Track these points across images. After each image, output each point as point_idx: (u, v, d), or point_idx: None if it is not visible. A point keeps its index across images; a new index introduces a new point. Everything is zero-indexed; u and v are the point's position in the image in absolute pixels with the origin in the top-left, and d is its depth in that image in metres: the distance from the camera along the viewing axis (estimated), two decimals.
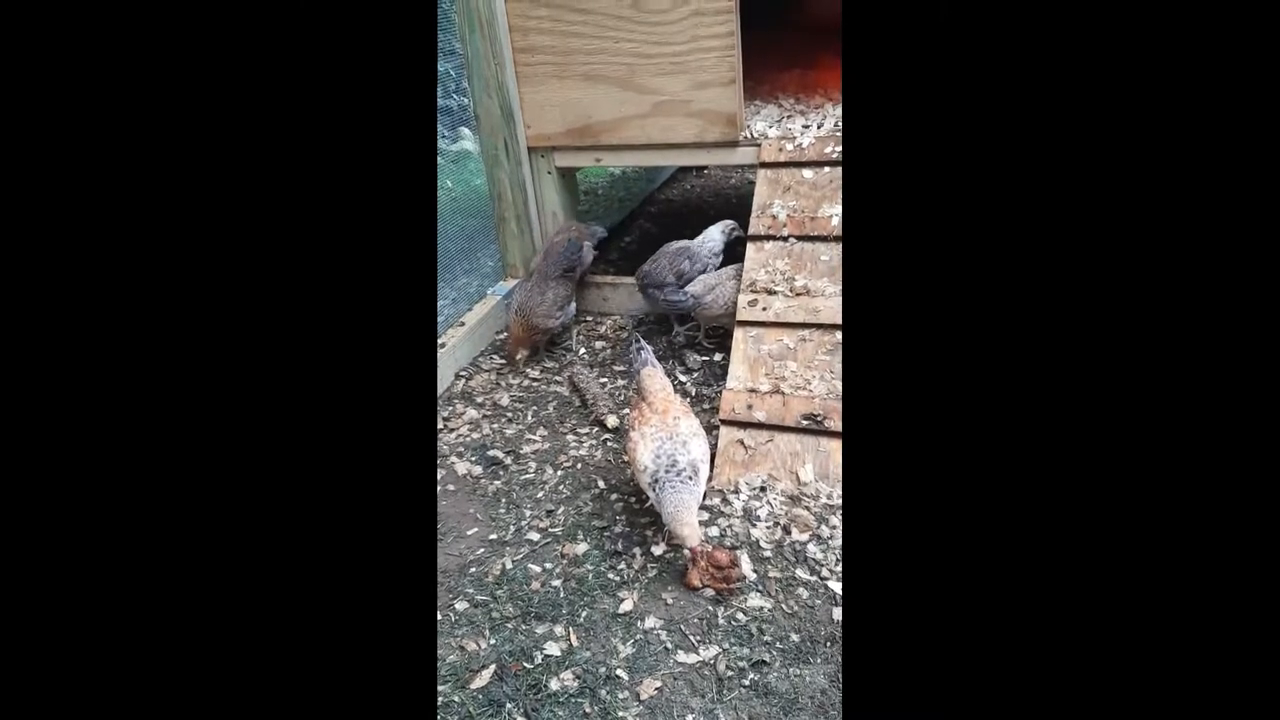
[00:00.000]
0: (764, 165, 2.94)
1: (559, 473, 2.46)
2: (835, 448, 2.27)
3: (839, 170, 2.82)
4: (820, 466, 2.25)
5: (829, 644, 1.75)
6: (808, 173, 2.87)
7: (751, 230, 2.78)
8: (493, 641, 1.85)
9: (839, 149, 2.86)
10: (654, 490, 1.96)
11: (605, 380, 2.95)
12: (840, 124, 2.99)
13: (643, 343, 2.45)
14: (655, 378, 2.27)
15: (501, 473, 2.48)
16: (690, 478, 1.94)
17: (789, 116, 3.18)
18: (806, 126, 3.03)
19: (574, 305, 3.15)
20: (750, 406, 2.38)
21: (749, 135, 3.04)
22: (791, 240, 2.72)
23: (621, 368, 3.01)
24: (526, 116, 3.23)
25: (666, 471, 1.94)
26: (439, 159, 3.24)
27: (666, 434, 2.03)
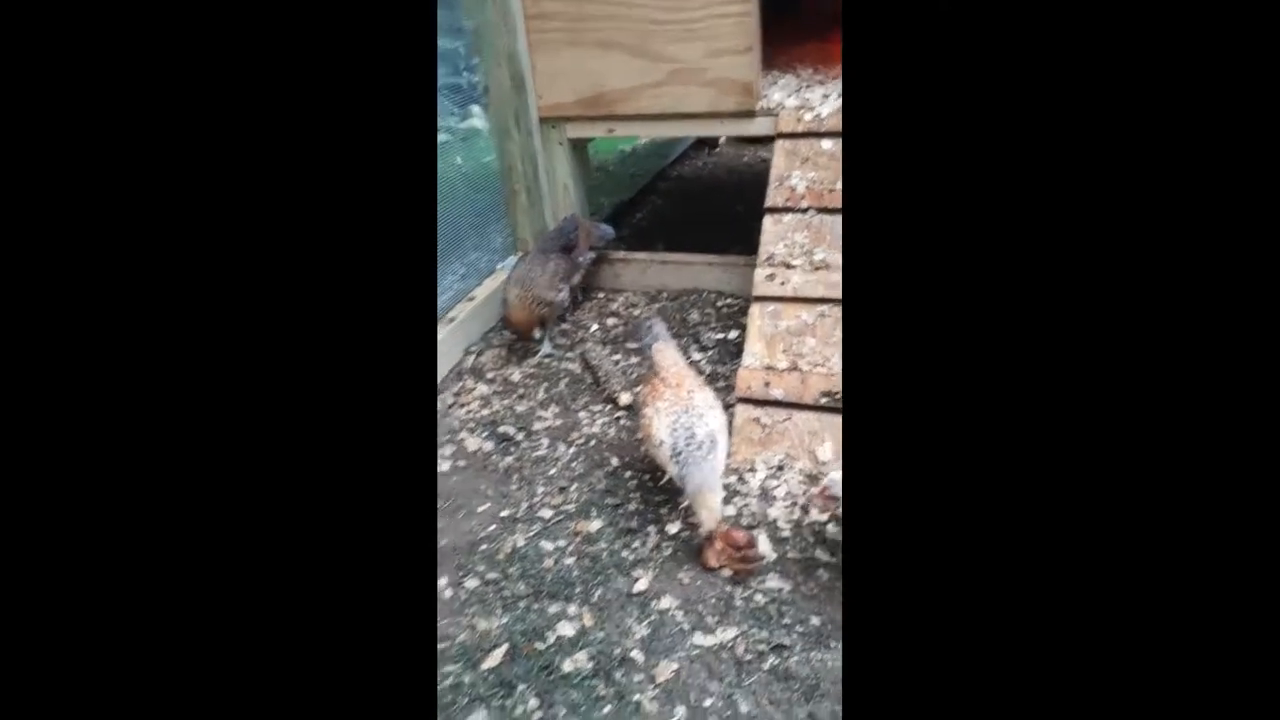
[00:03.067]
0: (781, 136, 2.85)
1: (571, 450, 2.40)
2: None
3: None
4: (839, 445, 2.18)
5: None
6: (827, 144, 2.77)
7: (769, 203, 2.69)
8: (504, 620, 1.80)
9: None
10: (675, 465, 1.91)
11: (618, 358, 2.89)
12: None
13: (654, 318, 2.38)
14: (667, 352, 2.21)
15: (513, 449, 2.43)
16: (710, 451, 1.88)
17: (807, 86, 3.08)
18: (826, 96, 2.93)
19: (570, 288, 3.05)
20: (767, 384, 2.31)
21: (766, 105, 2.94)
22: (811, 212, 2.63)
23: (635, 345, 2.95)
24: (538, 86, 3.14)
25: (686, 444, 1.89)
26: (449, 137, 3.16)
27: (682, 407, 1.97)
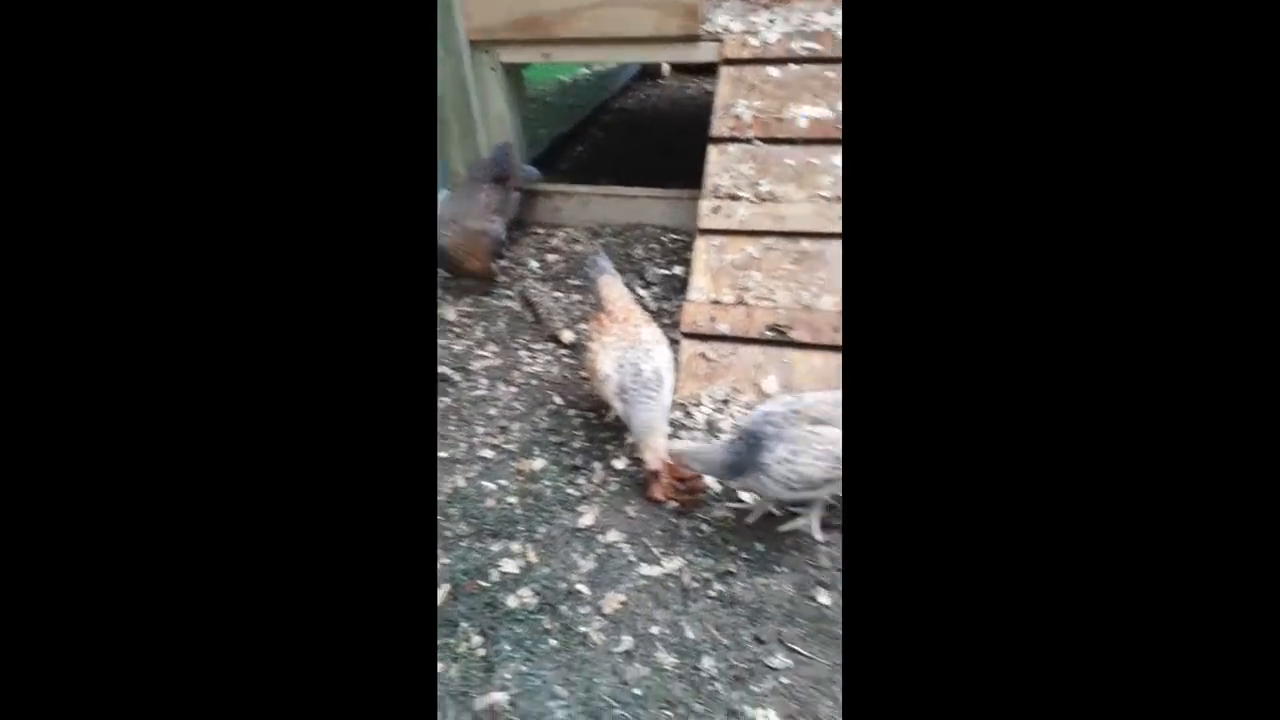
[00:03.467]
0: (727, 62, 2.75)
1: (512, 389, 2.33)
2: (799, 359, 2.20)
3: (807, 68, 2.65)
4: (784, 378, 2.18)
5: (795, 552, 1.72)
6: (773, 71, 2.69)
7: (714, 132, 2.61)
8: (446, 561, 1.76)
9: (807, 45, 2.68)
10: (621, 403, 1.87)
11: (559, 295, 2.80)
12: (808, 20, 2.80)
13: (599, 252, 2.30)
14: (614, 285, 2.15)
15: (450, 389, 2.34)
16: (657, 389, 1.85)
17: (753, 11, 2.96)
18: (772, 21, 2.83)
19: (504, 220, 2.90)
20: (713, 319, 2.28)
21: (710, 30, 2.82)
22: (756, 143, 2.56)
23: (576, 281, 2.86)
24: (467, 6, 2.92)
25: (633, 381, 1.84)
26: None
27: (629, 342, 1.92)
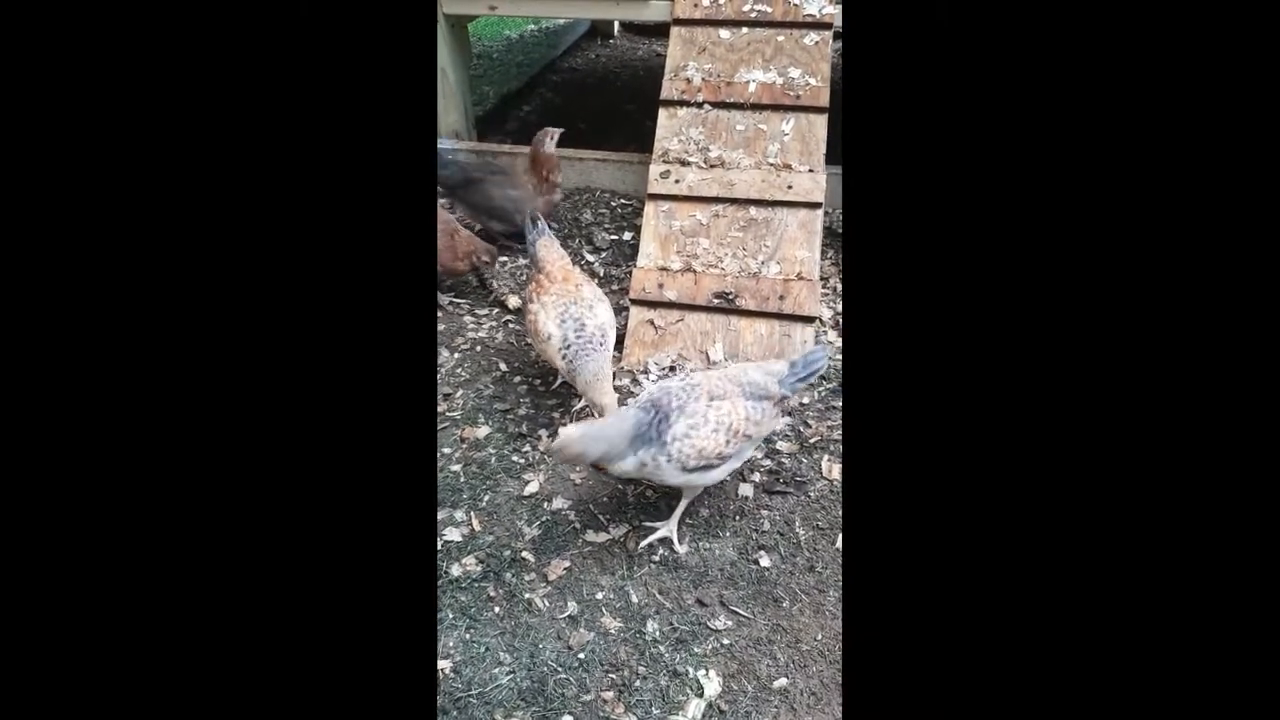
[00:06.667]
0: (678, 22, 2.69)
1: (456, 355, 2.28)
2: (745, 326, 2.21)
3: (757, 31, 2.62)
4: (730, 345, 2.20)
5: (737, 518, 1.75)
6: (724, 33, 2.64)
7: (664, 95, 2.56)
8: None
9: (759, 8, 2.64)
10: (564, 359, 1.85)
11: (505, 259, 2.74)
12: None
13: (539, 217, 2.25)
14: (552, 248, 2.11)
15: None
16: (601, 343, 1.84)
17: None
18: None
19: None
20: (661, 285, 2.27)
21: None
22: (706, 107, 2.53)
23: (522, 246, 2.80)
24: None
25: (576, 336, 1.83)
26: None
27: (570, 299, 1.91)
